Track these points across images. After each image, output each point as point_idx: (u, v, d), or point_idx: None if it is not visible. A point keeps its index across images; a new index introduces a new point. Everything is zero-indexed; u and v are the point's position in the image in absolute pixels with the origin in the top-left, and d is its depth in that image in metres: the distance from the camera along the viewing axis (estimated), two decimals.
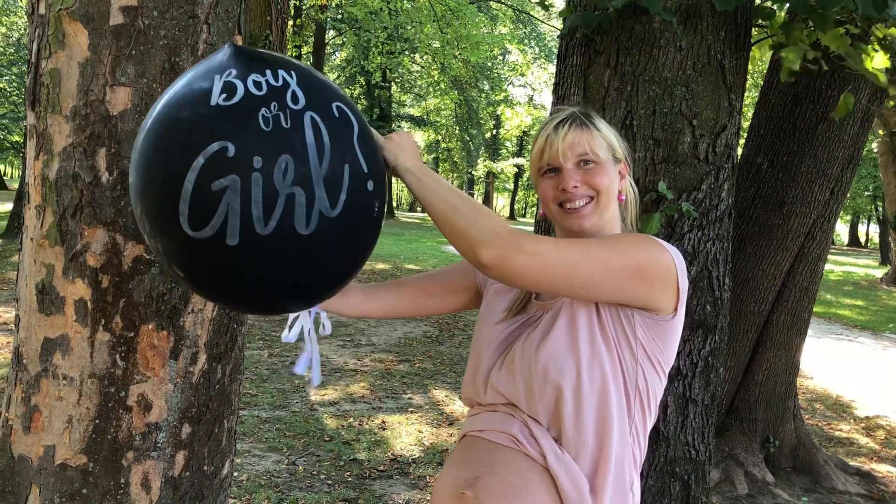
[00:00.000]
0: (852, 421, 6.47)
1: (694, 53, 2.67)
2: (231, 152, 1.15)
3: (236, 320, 2.01)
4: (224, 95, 1.19)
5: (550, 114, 1.60)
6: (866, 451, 5.60)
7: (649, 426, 1.47)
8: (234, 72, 1.23)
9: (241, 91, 1.20)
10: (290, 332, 1.55)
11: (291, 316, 1.55)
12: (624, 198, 1.55)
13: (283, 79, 1.24)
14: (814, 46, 3.07)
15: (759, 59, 3.92)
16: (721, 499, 4.44)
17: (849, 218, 43.83)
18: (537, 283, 1.33)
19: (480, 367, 1.52)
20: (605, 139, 1.48)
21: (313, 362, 1.58)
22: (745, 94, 2.93)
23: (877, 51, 2.89)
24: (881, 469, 5.19)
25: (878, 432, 6.15)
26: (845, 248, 43.61)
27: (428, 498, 3.99)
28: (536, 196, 1.60)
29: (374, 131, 1.41)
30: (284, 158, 1.17)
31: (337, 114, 1.27)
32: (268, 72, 1.24)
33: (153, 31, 1.75)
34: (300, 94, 1.23)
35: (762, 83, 4.82)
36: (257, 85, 1.21)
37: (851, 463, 5.19)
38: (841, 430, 6.13)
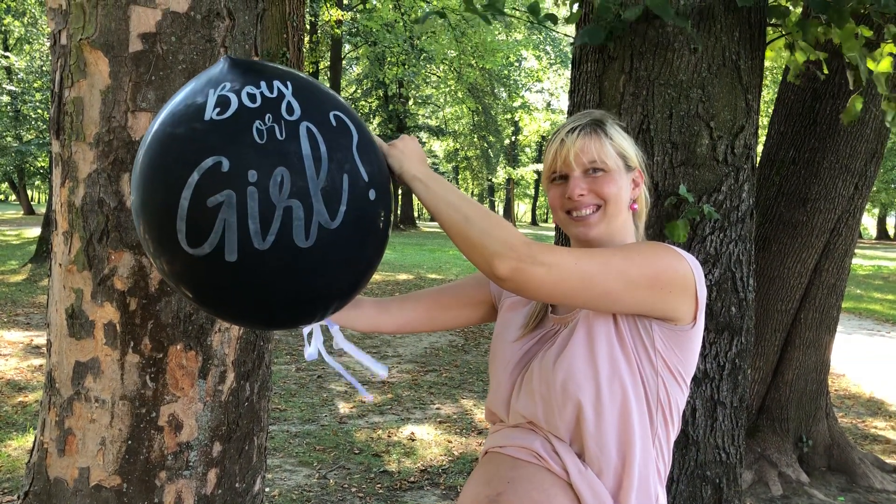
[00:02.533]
0: (887, 417, 6.36)
1: (709, 55, 2.66)
2: (225, 167, 1.14)
3: (263, 338, 2.03)
4: (217, 110, 1.19)
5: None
6: None
7: (673, 438, 1.44)
8: (228, 85, 1.22)
9: (234, 104, 1.19)
10: (310, 347, 1.53)
11: (305, 331, 1.54)
12: (637, 207, 1.52)
13: (279, 89, 1.22)
14: (826, 48, 3.04)
15: (778, 56, 3.88)
16: (755, 501, 4.39)
17: (876, 211, 43.20)
18: (554, 295, 1.30)
19: (500, 388, 1.50)
20: (615, 147, 1.44)
21: (353, 381, 1.59)
22: (764, 90, 2.92)
23: (888, 54, 2.85)
24: None
25: None
26: (874, 241, 42.96)
27: None
28: None
29: (376, 138, 1.38)
30: (280, 171, 1.16)
31: (334, 123, 1.25)
32: (262, 83, 1.22)
33: (172, 56, 1.78)
34: (295, 104, 1.21)
35: (781, 79, 4.79)
36: (251, 97, 1.20)
37: (888, 461, 5.11)
38: (876, 428, 6.04)
